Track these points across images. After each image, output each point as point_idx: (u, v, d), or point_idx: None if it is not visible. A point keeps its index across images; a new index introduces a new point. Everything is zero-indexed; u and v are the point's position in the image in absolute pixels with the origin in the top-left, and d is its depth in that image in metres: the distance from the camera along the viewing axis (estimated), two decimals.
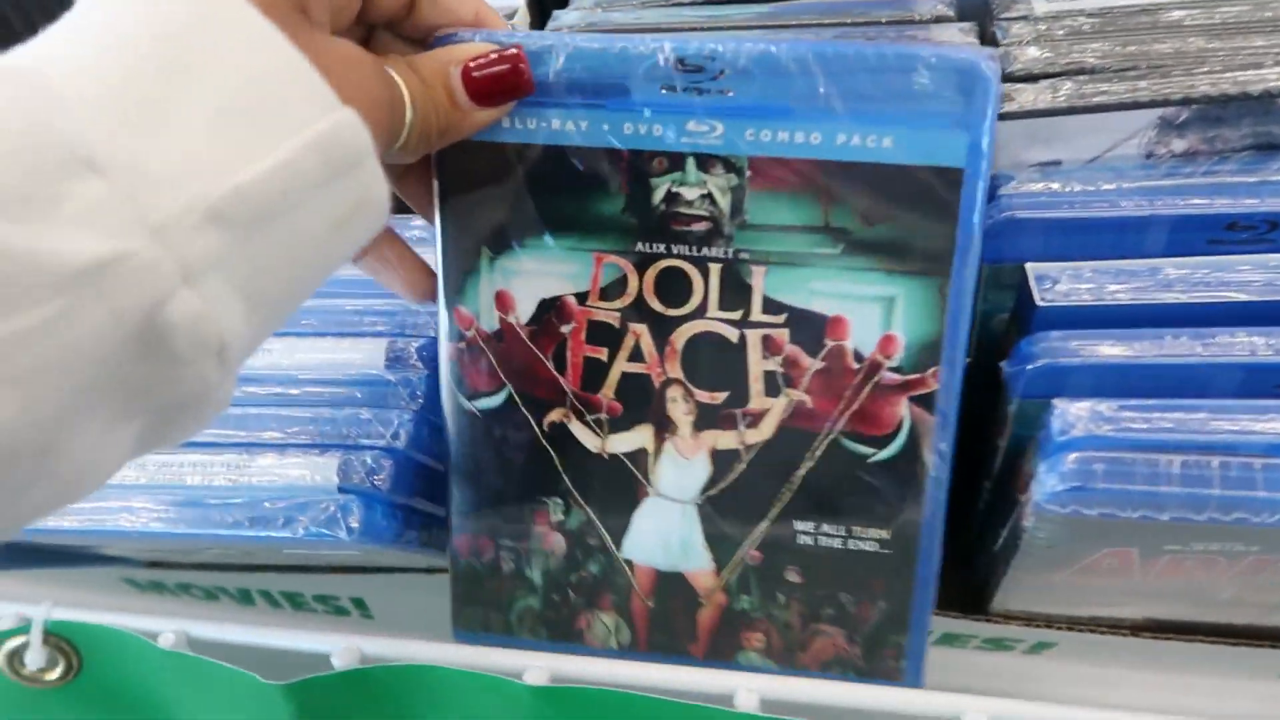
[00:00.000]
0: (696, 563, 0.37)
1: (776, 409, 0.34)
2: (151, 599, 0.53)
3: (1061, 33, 0.37)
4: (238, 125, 0.22)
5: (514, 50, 0.31)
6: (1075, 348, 0.32)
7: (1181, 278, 0.32)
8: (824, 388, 0.34)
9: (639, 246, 0.34)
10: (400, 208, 0.34)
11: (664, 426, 0.35)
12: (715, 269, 0.34)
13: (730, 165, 0.32)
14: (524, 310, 0.35)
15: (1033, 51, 0.36)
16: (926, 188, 0.31)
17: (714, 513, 0.36)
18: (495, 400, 0.36)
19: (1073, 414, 0.30)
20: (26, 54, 0.22)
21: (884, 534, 0.35)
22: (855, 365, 0.33)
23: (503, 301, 0.35)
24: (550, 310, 0.35)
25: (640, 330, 0.35)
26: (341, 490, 0.35)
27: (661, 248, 0.34)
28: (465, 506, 0.38)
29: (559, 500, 0.37)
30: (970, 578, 0.43)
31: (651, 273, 0.34)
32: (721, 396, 0.35)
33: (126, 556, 0.48)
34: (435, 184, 0.34)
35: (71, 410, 0.20)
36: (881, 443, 0.33)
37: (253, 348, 0.24)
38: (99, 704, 0.38)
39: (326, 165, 0.23)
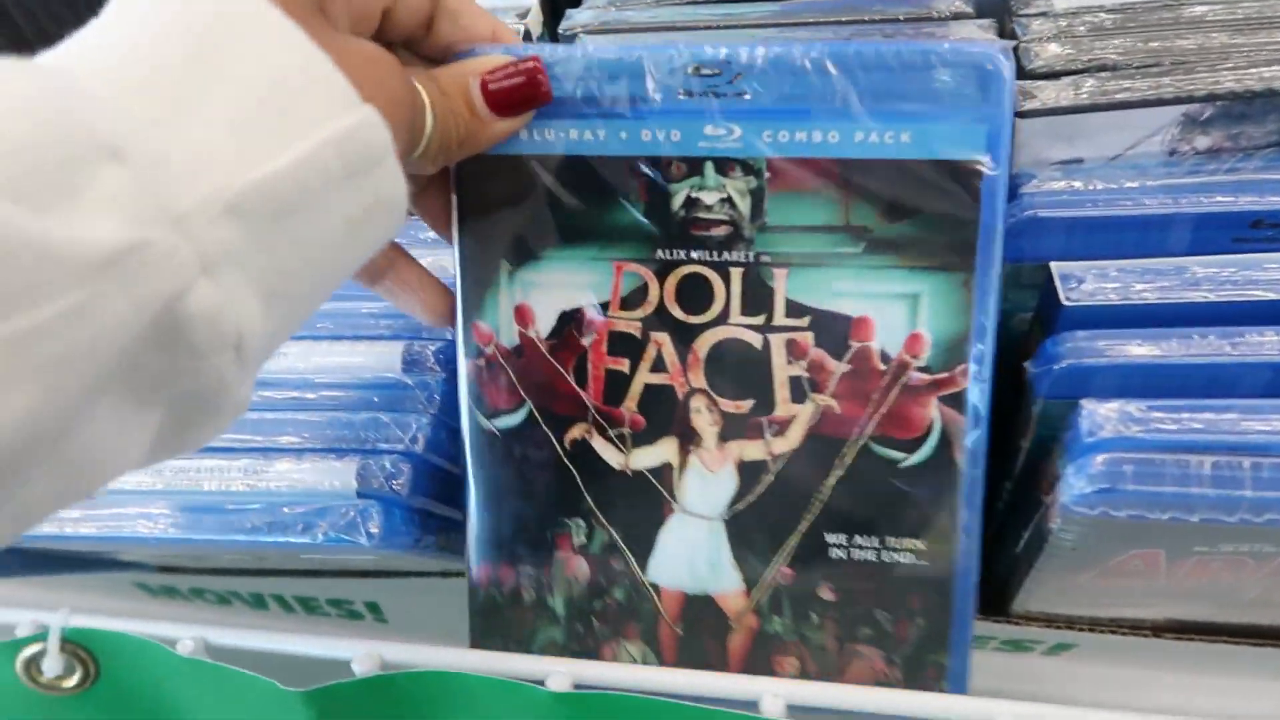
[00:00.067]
0: (725, 583, 0.35)
1: (803, 416, 0.34)
2: (164, 603, 0.53)
3: (1082, 29, 0.36)
4: (259, 120, 0.22)
5: (532, 61, 0.31)
6: (1102, 348, 0.31)
7: (1208, 276, 0.32)
8: (851, 391, 0.33)
9: (659, 254, 0.34)
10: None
11: (688, 439, 0.35)
12: (736, 273, 0.33)
13: (749, 167, 0.32)
14: (544, 323, 0.35)
15: (1054, 48, 0.36)
16: (946, 182, 0.31)
17: (742, 528, 0.35)
18: (515, 418, 0.36)
19: (1101, 415, 0.30)
20: (52, 56, 0.22)
21: (919, 544, 0.34)
22: (882, 366, 0.33)
23: (522, 315, 0.35)
24: (570, 322, 0.35)
25: (662, 339, 0.34)
26: (360, 495, 0.35)
27: (682, 254, 0.34)
28: (485, 533, 0.37)
29: (581, 522, 0.36)
30: (988, 579, 0.43)
31: (672, 280, 0.34)
32: (747, 405, 0.34)
33: (139, 561, 0.48)
34: (454, 198, 0.34)
35: (89, 400, 0.20)
36: (912, 446, 0.33)
37: (270, 347, 0.24)
38: (116, 711, 0.38)
39: (346, 162, 0.23)
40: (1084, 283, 0.32)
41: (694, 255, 0.34)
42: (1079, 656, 0.44)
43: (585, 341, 0.35)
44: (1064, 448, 0.32)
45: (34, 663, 0.37)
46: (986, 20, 0.38)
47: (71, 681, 0.37)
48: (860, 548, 0.34)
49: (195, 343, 0.21)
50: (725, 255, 0.33)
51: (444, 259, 0.39)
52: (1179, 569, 0.34)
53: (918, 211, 0.32)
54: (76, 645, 0.36)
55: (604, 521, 0.36)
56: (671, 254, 0.34)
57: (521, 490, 0.36)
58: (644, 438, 0.35)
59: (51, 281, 0.18)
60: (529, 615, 0.37)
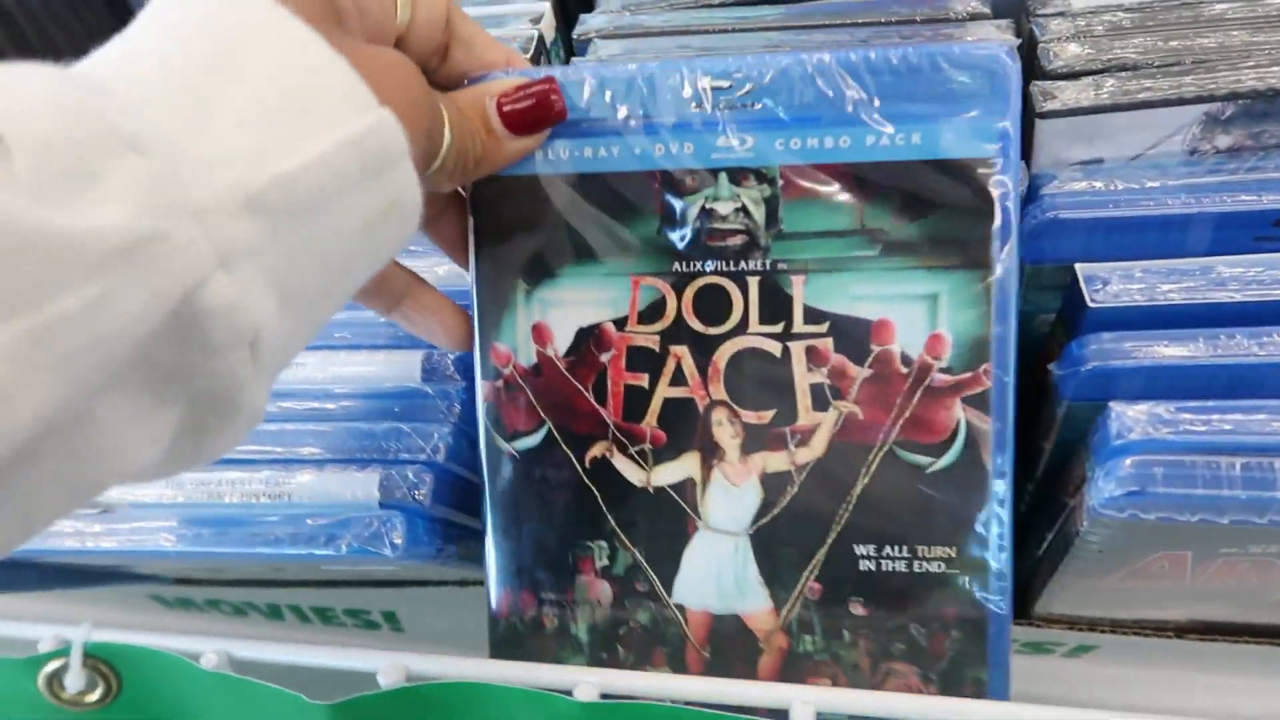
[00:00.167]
0: (753, 602, 0.35)
1: (826, 423, 0.33)
2: (179, 615, 0.53)
3: (1101, 28, 0.36)
4: (278, 120, 0.22)
5: (546, 81, 0.32)
6: (1129, 349, 0.31)
7: (1235, 276, 0.32)
8: (874, 396, 0.33)
9: (676, 266, 0.34)
10: None
11: (711, 453, 0.34)
12: (754, 282, 0.33)
13: (762, 176, 0.33)
14: (562, 341, 0.35)
15: (1073, 48, 0.36)
16: (959, 180, 0.31)
17: (768, 543, 0.34)
18: (534, 439, 0.35)
19: (1130, 417, 0.30)
20: (79, 66, 0.22)
21: (950, 552, 0.33)
22: (904, 369, 0.33)
23: (540, 334, 0.35)
24: (589, 339, 0.35)
25: (681, 352, 0.34)
26: (383, 506, 0.34)
27: (698, 265, 0.34)
28: (505, 560, 0.36)
29: (604, 543, 0.35)
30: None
31: (690, 292, 0.34)
32: (769, 415, 0.34)
33: (156, 574, 0.47)
34: (470, 220, 0.35)
35: (106, 393, 0.20)
36: (938, 450, 0.33)
37: (285, 351, 0.24)
38: None
39: (362, 163, 0.23)
40: (1109, 284, 0.32)
41: (710, 266, 0.34)
42: (1101, 658, 0.44)
43: (604, 358, 0.35)
44: (1091, 450, 0.32)
45: (56, 678, 0.37)
46: (1004, 21, 0.38)
47: (94, 697, 0.37)
48: (890, 558, 0.33)
49: (211, 338, 0.21)
50: (742, 265, 0.33)
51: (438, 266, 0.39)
52: (1205, 570, 0.34)
53: (932, 212, 0.32)
54: (98, 660, 0.36)
55: (627, 542, 0.35)
56: (688, 266, 0.34)
57: (541, 513, 0.36)
58: (665, 453, 0.35)
59: (70, 272, 0.18)
60: (551, 643, 0.36)
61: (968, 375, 0.32)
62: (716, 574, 0.35)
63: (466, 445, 0.37)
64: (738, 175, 0.33)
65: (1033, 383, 0.36)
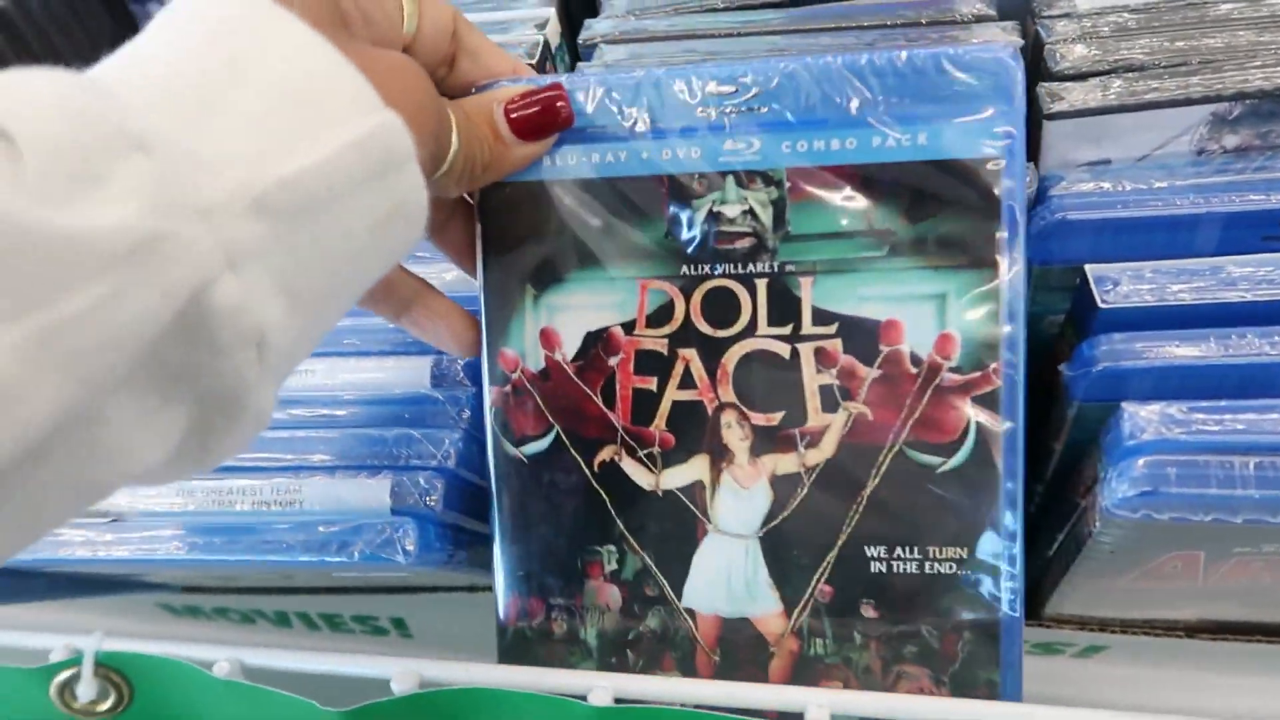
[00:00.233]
0: (763, 605, 0.34)
1: (836, 425, 0.33)
2: (188, 623, 0.53)
3: (1107, 29, 0.36)
4: (285, 122, 0.22)
5: (554, 87, 0.32)
6: (1140, 350, 0.31)
7: (1245, 275, 0.32)
8: (883, 397, 0.33)
9: (684, 269, 0.34)
10: None
11: (720, 455, 0.34)
12: (762, 284, 0.33)
13: (769, 179, 0.33)
14: (570, 346, 0.35)
15: (1080, 50, 0.36)
16: (965, 180, 0.31)
17: (778, 546, 0.34)
18: (543, 444, 0.35)
19: (1143, 417, 0.30)
20: (89, 70, 0.22)
21: (961, 553, 0.33)
22: (913, 369, 0.33)
23: (548, 339, 0.35)
24: (597, 343, 0.35)
25: (689, 355, 0.34)
26: (395, 512, 0.34)
27: (706, 268, 0.34)
28: (513, 566, 0.36)
29: (613, 548, 0.35)
30: None
31: (698, 295, 0.34)
32: (778, 417, 0.34)
33: (165, 583, 0.47)
34: (478, 226, 0.35)
35: (115, 392, 0.20)
36: (949, 450, 0.32)
37: (292, 354, 0.24)
38: None
39: (368, 164, 0.23)
40: (1119, 285, 0.32)
41: (718, 269, 0.34)
42: (1111, 659, 0.44)
43: (612, 362, 0.35)
44: (1103, 450, 0.32)
45: (68, 687, 0.36)
46: (1009, 23, 0.38)
47: (106, 705, 0.37)
48: (901, 560, 0.33)
49: (218, 338, 0.21)
50: (750, 267, 0.33)
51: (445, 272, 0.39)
52: (1218, 570, 0.34)
53: (939, 211, 0.32)
54: (110, 669, 0.36)
55: (636, 546, 0.35)
56: (696, 269, 0.34)
57: (550, 518, 0.36)
58: (674, 456, 0.35)
59: (78, 272, 0.18)
60: (560, 649, 0.36)
61: (977, 374, 0.32)
62: (726, 577, 0.35)
63: (477, 450, 0.37)
64: (745, 178, 0.33)
65: (1041, 384, 0.36)
